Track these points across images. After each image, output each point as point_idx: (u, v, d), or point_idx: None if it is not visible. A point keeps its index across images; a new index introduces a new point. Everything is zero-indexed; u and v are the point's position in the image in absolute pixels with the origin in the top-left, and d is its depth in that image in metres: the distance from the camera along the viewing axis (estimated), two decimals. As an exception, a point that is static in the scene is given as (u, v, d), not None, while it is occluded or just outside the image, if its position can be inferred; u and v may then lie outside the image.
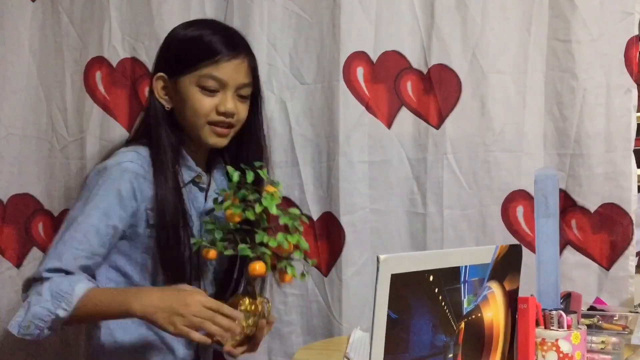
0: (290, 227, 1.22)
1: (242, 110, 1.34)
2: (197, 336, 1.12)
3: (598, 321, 1.34)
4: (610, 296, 1.52)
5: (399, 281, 0.86)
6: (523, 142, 1.55)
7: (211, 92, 1.29)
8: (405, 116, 1.60)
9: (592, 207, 1.53)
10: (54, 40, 1.69)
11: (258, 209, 1.19)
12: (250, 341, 1.29)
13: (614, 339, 1.24)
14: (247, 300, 1.25)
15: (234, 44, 1.33)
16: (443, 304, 0.95)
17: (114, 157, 1.29)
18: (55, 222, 1.69)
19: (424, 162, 1.59)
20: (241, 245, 1.20)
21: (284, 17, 1.62)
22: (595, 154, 1.52)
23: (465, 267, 0.98)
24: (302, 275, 1.26)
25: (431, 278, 0.92)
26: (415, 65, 1.59)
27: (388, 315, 0.86)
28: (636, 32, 1.51)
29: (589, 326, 1.28)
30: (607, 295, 1.53)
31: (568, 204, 1.54)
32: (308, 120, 1.63)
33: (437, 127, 1.58)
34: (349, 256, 1.59)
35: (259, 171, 1.23)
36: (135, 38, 1.66)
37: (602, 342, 1.24)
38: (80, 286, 1.16)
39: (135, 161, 1.27)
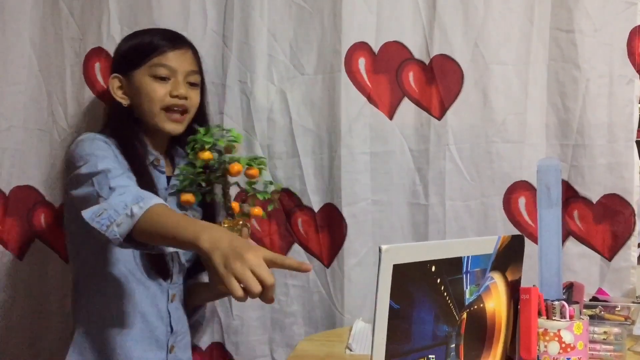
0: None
1: (194, 96, 1.45)
2: (237, 288, 1.00)
3: (600, 312, 1.34)
4: (612, 287, 1.52)
5: (401, 271, 0.86)
6: (525, 133, 1.55)
7: (163, 79, 1.41)
8: (407, 107, 1.59)
9: (595, 198, 1.53)
10: (54, 32, 1.68)
11: (220, 141, 1.37)
12: None
13: (616, 330, 1.24)
14: (226, 221, 1.36)
15: (174, 38, 1.46)
16: (445, 294, 0.94)
17: (81, 135, 1.39)
18: (57, 213, 1.69)
19: (426, 153, 1.58)
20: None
21: (284, 7, 1.61)
22: (597, 144, 1.51)
23: (468, 257, 0.98)
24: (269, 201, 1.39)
25: (433, 268, 0.92)
26: (417, 55, 1.58)
27: (390, 306, 0.86)
28: (639, 22, 1.50)
29: (591, 317, 1.28)
30: (609, 286, 1.53)
31: (570, 195, 1.54)
32: (309, 111, 1.62)
33: (439, 118, 1.58)
34: (351, 247, 1.58)
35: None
36: (134, 29, 1.64)
37: (604, 332, 1.24)
38: (160, 199, 1.19)
39: (103, 136, 1.38)
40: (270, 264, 1.01)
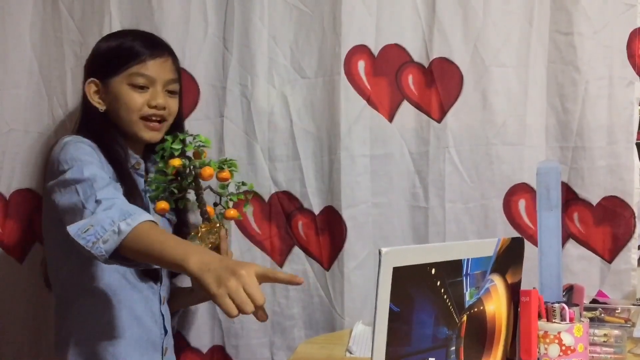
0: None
1: (172, 105, 1.44)
2: (232, 308, 0.99)
3: (600, 314, 1.34)
4: (612, 289, 1.52)
5: (401, 274, 0.87)
6: (525, 135, 1.55)
7: (141, 88, 1.39)
8: (406, 110, 1.59)
9: (594, 200, 1.53)
10: (54, 35, 1.68)
11: (189, 147, 1.41)
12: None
13: (616, 332, 1.24)
14: (204, 225, 1.41)
15: (155, 44, 1.43)
16: (445, 297, 0.95)
17: (64, 138, 1.35)
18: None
19: (426, 156, 1.59)
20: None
21: (284, 10, 1.61)
22: (597, 146, 1.52)
23: (468, 260, 0.98)
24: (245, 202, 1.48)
25: (433, 271, 0.92)
26: (416, 58, 1.59)
27: (390, 309, 0.86)
28: (638, 24, 1.50)
29: (591, 319, 1.28)
30: (609, 288, 1.53)
31: (570, 197, 1.54)
32: (309, 114, 1.62)
33: (439, 120, 1.58)
34: (351, 250, 1.58)
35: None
36: (136, 32, 1.65)
37: (605, 335, 1.24)
38: (148, 215, 1.16)
39: (87, 140, 1.36)
40: (263, 278, 1.02)
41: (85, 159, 1.28)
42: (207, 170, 1.38)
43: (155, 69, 1.40)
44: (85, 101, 1.43)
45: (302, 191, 1.62)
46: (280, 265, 1.64)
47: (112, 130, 1.41)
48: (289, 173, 1.62)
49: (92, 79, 1.41)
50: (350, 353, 1.35)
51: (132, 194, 1.32)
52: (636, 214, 1.51)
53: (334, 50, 1.58)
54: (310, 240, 1.63)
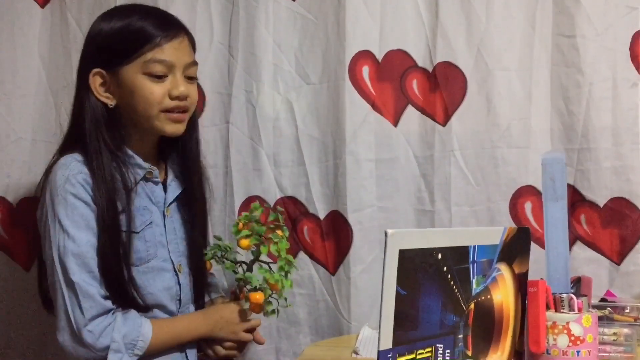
0: (286, 272, 1.36)
1: (193, 93, 1.27)
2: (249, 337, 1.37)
3: (609, 313, 1.32)
4: (621, 291, 1.50)
5: (407, 257, 0.86)
6: (530, 138, 1.55)
7: (159, 77, 1.22)
8: (411, 114, 1.60)
9: (601, 202, 1.52)
10: (62, 46, 1.71)
11: (273, 248, 1.33)
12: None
13: (626, 331, 1.22)
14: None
15: (169, 23, 1.26)
16: (452, 283, 0.94)
17: (59, 172, 1.20)
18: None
19: (431, 160, 1.59)
20: (249, 274, 1.36)
21: (289, 18, 1.63)
22: (602, 148, 1.51)
23: (474, 247, 0.97)
24: (273, 312, 1.37)
25: (439, 256, 0.92)
26: (420, 63, 1.60)
27: (397, 291, 0.86)
28: (641, 26, 1.51)
29: (600, 318, 1.26)
30: (618, 290, 1.51)
31: (577, 199, 1.53)
32: (314, 120, 1.63)
33: (444, 124, 1.58)
34: (357, 254, 1.58)
35: (279, 215, 1.38)
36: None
37: (614, 333, 1.22)
38: (146, 329, 1.22)
39: (81, 170, 1.20)
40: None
41: (73, 233, 1.16)
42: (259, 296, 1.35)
43: (172, 52, 1.21)
44: (82, 98, 1.23)
45: (307, 196, 1.62)
46: (286, 270, 1.63)
47: (116, 138, 1.23)
48: (294, 178, 1.63)
49: (97, 69, 1.22)
50: (357, 354, 1.34)
51: (115, 220, 1.20)
52: (644, 215, 1.50)
53: (338, 56, 1.59)
54: (315, 245, 1.62)
